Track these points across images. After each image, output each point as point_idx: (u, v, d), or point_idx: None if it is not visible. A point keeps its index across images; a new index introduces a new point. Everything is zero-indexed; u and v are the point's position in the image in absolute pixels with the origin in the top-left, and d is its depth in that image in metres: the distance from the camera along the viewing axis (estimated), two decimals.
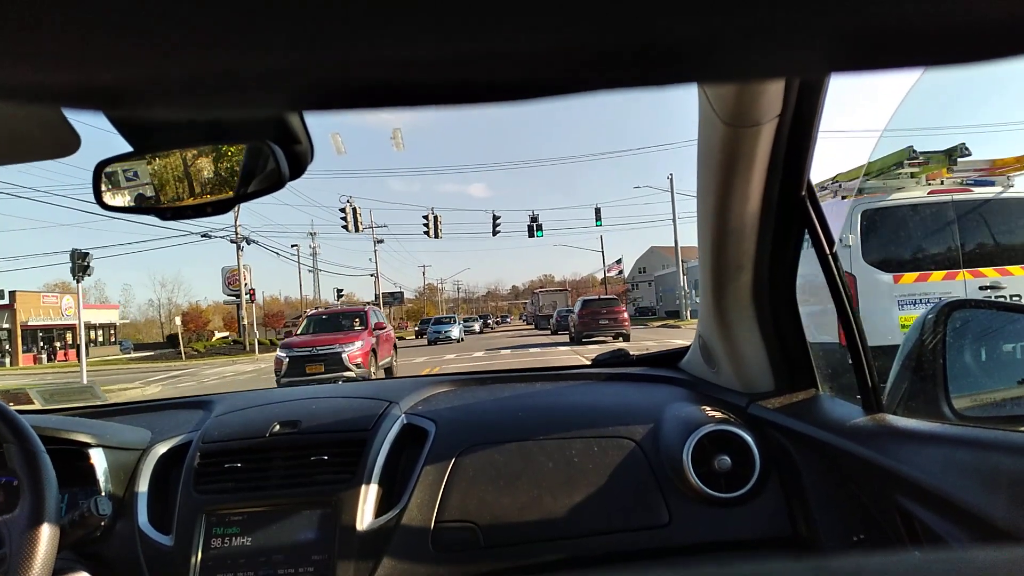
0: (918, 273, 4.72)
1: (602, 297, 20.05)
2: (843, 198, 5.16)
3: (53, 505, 1.00)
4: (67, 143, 0.52)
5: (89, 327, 38.28)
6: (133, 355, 35.88)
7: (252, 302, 32.24)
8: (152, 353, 36.84)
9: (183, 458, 1.30)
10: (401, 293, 53.66)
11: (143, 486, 1.28)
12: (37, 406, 2.27)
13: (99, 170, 0.75)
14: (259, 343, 31.52)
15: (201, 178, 0.74)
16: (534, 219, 28.32)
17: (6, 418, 1.05)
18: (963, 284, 4.65)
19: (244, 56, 0.17)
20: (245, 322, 32.25)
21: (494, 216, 27.89)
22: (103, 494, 1.23)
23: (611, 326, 17.45)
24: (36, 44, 0.17)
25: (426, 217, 27.77)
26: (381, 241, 43.33)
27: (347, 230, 27.45)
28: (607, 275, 51.04)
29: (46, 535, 0.96)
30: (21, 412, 1.10)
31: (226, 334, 29.05)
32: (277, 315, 55.64)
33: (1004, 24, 0.16)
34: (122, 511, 1.25)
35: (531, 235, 28.23)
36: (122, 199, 0.76)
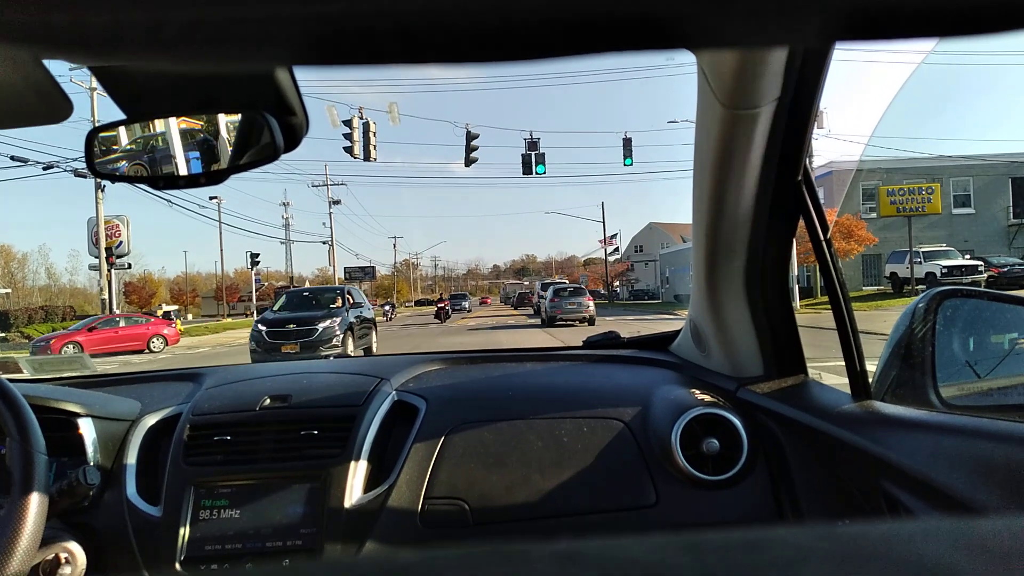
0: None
1: (526, 292, 44.50)
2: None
3: (43, 475, 1.00)
4: (59, 108, 0.51)
5: None
6: None
7: (112, 267, 23.12)
8: None
9: (172, 430, 1.29)
10: (372, 268, 49.69)
11: (132, 457, 1.28)
12: (26, 375, 2.26)
13: (92, 136, 0.74)
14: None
15: (195, 148, 0.73)
16: (533, 145, 18.73)
17: (6, 398, 1.03)
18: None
19: (244, 3, 0.17)
20: (104, 295, 22.92)
21: (468, 135, 17.64)
22: (91, 464, 1.23)
23: (529, 304, 37.30)
24: None
25: (349, 123, 16.60)
26: (338, 202, 40.19)
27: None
28: (600, 254, 51.37)
29: (35, 504, 0.96)
30: (10, 382, 1.09)
31: (172, 307, 24.04)
32: (231, 288, 51.17)
33: None
34: (111, 481, 1.25)
35: (527, 171, 19.04)
36: (115, 166, 0.75)
